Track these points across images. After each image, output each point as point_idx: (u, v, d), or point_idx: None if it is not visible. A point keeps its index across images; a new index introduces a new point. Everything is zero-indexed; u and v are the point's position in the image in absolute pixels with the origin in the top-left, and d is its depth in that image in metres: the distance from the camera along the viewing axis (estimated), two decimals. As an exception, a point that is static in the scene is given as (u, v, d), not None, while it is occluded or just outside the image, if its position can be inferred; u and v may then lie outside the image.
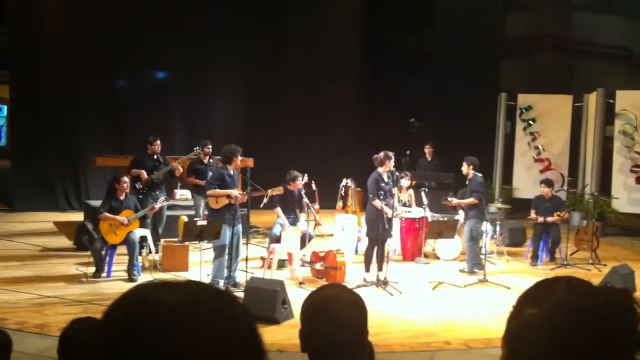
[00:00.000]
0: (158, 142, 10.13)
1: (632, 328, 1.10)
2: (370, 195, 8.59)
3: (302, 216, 9.60)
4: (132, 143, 13.82)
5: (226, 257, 8.08)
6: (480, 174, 9.58)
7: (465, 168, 9.61)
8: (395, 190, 9.02)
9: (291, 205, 9.50)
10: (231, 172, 8.15)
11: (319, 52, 16.16)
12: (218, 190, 8.01)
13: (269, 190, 8.67)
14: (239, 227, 8.11)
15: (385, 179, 8.62)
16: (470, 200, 9.42)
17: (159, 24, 14.90)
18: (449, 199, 9.94)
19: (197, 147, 10.68)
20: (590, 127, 14.47)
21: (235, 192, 7.99)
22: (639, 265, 9.63)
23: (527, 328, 1.14)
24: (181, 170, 10.31)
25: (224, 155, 8.23)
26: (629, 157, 13.71)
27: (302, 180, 9.68)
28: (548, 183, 10.58)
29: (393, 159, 8.67)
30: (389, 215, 8.49)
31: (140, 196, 9.67)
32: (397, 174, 8.95)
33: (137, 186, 9.75)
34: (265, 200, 9.10)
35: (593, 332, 1.08)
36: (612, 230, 13.78)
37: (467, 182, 9.73)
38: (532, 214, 10.47)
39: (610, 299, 1.13)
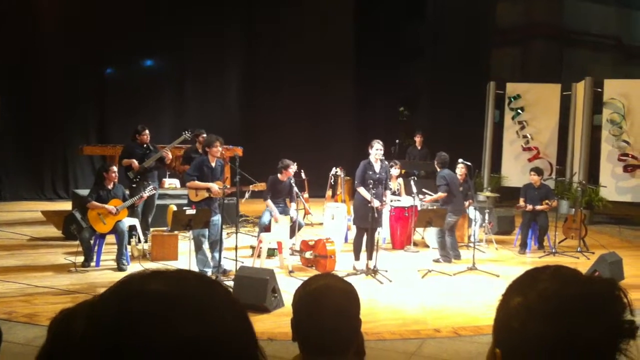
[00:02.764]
0: (147, 131, 10.08)
1: (617, 318, 1.10)
2: (356, 182, 8.61)
3: (292, 205, 9.59)
4: (120, 132, 13.76)
5: (206, 244, 8.06)
6: (447, 169, 9.63)
7: (436, 164, 9.76)
8: (392, 182, 9.04)
9: (281, 195, 9.49)
10: (212, 164, 8.07)
11: (311, 42, 16.11)
12: (197, 183, 7.97)
13: (251, 186, 8.59)
14: (217, 217, 8.09)
15: (377, 169, 8.60)
16: (439, 195, 9.51)
17: (147, 13, 14.81)
18: (421, 196, 10.07)
19: (186, 132, 10.56)
20: (579, 115, 14.54)
21: (215, 186, 7.93)
22: (627, 253, 9.72)
23: (513, 317, 1.14)
24: (170, 156, 10.24)
25: (203, 146, 8.21)
26: (616, 145, 13.79)
27: (294, 168, 9.66)
28: (538, 171, 10.62)
29: (376, 147, 8.62)
30: (374, 206, 8.44)
31: (134, 185, 9.65)
32: (386, 162, 8.93)
33: (130, 176, 9.70)
34: (247, 196, 8.96)
35: (577, 321, 1.08)
36: (600, 218, 13.88)
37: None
38: (521, 202, 10.52)
39: (596, 289, 1.13)
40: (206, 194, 7.92)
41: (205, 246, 8.16)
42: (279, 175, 9.39)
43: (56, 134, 14.52)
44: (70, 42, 14.30)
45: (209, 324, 0.86)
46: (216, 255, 8.06)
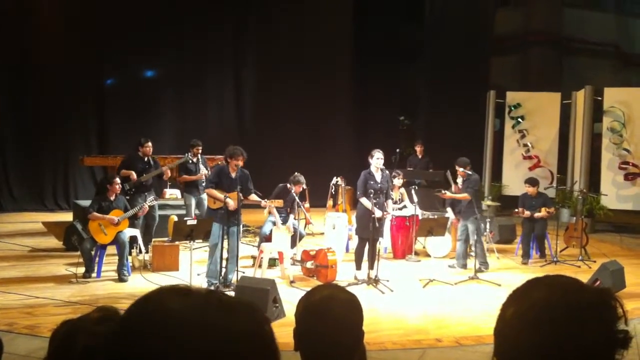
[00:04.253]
0: (149, 144, 10.07)
1: (610, 327, 1.10)
2: (358, 193, 8.61)
3: (291, 216, 9.60)
4: (121, 143, 13.78)
5: (218, 254, 8.01)
6: (476, 173, 9.63)
7: (461, 171, 9.58)
8: (394, 192, 8.98)
9: (284, 204, 9.51)
10: (232, 175, 8.01)
11: (311, 52, 16.14)
12: (214, 192, 7.94)
13: (268, 202, 8.47)
14: (234, 229, 8.01)
15: (378, 179, 8.60)
16: (464, 195, 9.42)
17: (147, 14, 14.82)
18: (443, 191, 9.92)
19: (188, 153, 10.68)
20: (579, 124, 14.54)
21: (230, 201, 7.86)
22: (628, 261, 9.70)
23: (508, 326, 1.15)
24: (169, 174, 10.27)
25: (224, 156, 8.19)
26: (617, 153, 13.78)
27: (304, 186, 9.69)
28: (532, 182, 10.52)
29: (376, 156, 8.60)
30: (376, 216, 8.40)
31: (128, 197, 9.63)
32: (387, 172, 8.92)
33: (126, 187, 9.66)
34: (265, 212, 8.90)
35: (567, 331, 1.08)
36: (601, 226, 13.86)
37: (462, 182, 9.68)
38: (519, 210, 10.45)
39: (587, 298, 1.13)
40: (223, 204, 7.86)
41: (224, 256, 8.10)
42: (288, 185, 9.43)
43: (56, 145, 14.50)
44: (70, 52, 14.31)
45: (228, 355, 0.85)
46: (228, 266, 8.02)
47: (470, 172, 9.59)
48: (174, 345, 0.84)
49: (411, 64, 17.96)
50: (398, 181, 10.67)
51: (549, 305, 1.11)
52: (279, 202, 8.74)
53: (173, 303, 0.89)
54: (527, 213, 10.18)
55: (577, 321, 1.08)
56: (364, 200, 8.49)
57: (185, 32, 15.46)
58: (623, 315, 1.11)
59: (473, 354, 5.96)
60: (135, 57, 15.23)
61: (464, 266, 9.49)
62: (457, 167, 9.67)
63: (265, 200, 8.43)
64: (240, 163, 8.05)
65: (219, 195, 7.86)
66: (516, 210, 10.42)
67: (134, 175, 9.78)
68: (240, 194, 7.84)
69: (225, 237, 7.92)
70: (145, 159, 10.06)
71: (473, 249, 9.58)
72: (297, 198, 9.41)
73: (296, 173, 9.67)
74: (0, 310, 6.91)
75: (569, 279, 1.20)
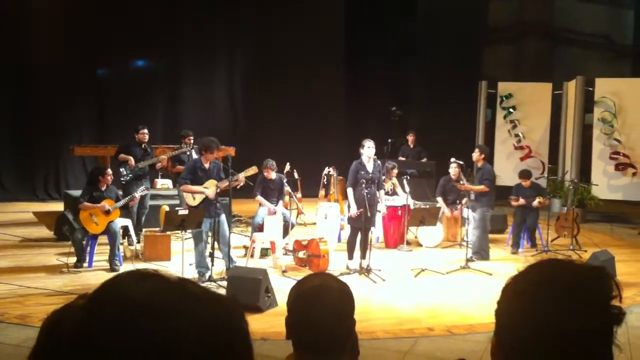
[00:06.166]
0: (145, 130, 10.15)
1: (604, 302, 1.10)
2: (347, 182, 8.64)
3: (280, 203, 9.60)
4: (114, 133, 13.73)
5: (202, 246, 7.94)
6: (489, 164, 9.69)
7: (477, 155, 9.64)
8: (386, 182, 9.00)
9: (271, 193, 9.51)
10: (205, 166, 7.96)
11: (304, 42, 16.10)
12: (189, 187, 7.89)
13: (241, 174, 8.37)
14: (222, 217, 7.99)
15: (370, 169, 8.58)
16: (481, 187, 9.44)
17: (142, 13, 14.76)
18: (461, 182, 9.94)
19: (185, 146, 10.68)
20: (570, 114, 14.58)
21: (208, 191, 7.84)
22: (619, 251, 9.76)
23: (505, 305, 1.17)
24: (164, 164, 10.29)
25: (198, 148, 8.15)
26: (608, 144, 13.83)
27: (273, 169, 9.64)
28: (526, 175, 10.49)
29: (367, 146, 8.55)
30: (352, 213, 8.39)
31: (123, 182, 9.64)
32: (379, 162, 8.90)
33: (123, 172, 9.68)
34: (242, 183, 8.69)
35: (561, 306, 1.09)
36: (592, 216, 13.93)
37: (476, 170, 9.73)
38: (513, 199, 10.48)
39: (582, 274, 1.14)
40: (203, 196, 7.85)
41: (207, 244, 8.08)
42: (265, 174, 9.47)
43: (48, 134, 14.45)
44: (64, 41, 14.23)
45: (190, 346, 0.82)
46: (224, 253, 8.03)
47: (482, 163, 9.64)
48: (131, 336, 0.81)
49: (404, 55, 17.94)
50: (394, 172, 10.73)
51: (544, 281, 1.13)
52: (253, 169, 8.62)
53: (132, 290, 0.85)
54: (522, 201, 10.18)
55: (573, 297, 1.10)
56: (349, 192, 8.51)
57: (179, 29, 15.44)
58: (618, 292, 1.12)
59: (465, 342, 5.98)
60: (133, 54, 15.23)
61: (479, 256, 9.47)
62: (476, 151, 9.67)
63: (239, 174, 8.24)
64: (215, 155, 8.02)
65: (196, 188, 7.85)
66: (511, 196, 10.40)
67: (132, 160, 9.81)
68: (218, 183, 7.83)
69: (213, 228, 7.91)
70: (142, 145, 10.10)
71: (468, 237, 9.59)
72: (286, 184, 9.42)
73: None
74: (-9, 300, 6.90)
75: (566, 260, 1.23)
